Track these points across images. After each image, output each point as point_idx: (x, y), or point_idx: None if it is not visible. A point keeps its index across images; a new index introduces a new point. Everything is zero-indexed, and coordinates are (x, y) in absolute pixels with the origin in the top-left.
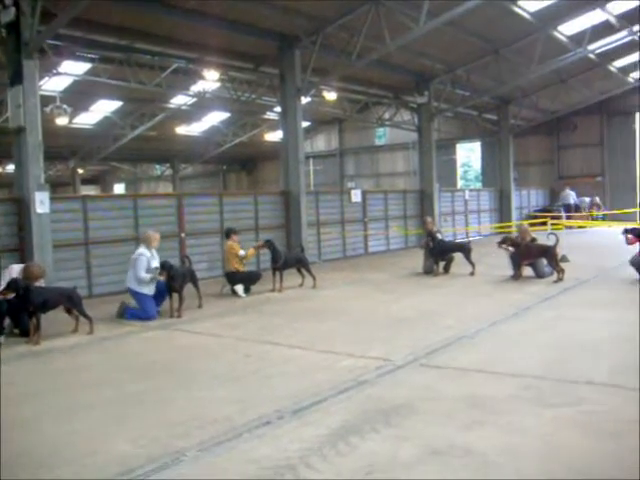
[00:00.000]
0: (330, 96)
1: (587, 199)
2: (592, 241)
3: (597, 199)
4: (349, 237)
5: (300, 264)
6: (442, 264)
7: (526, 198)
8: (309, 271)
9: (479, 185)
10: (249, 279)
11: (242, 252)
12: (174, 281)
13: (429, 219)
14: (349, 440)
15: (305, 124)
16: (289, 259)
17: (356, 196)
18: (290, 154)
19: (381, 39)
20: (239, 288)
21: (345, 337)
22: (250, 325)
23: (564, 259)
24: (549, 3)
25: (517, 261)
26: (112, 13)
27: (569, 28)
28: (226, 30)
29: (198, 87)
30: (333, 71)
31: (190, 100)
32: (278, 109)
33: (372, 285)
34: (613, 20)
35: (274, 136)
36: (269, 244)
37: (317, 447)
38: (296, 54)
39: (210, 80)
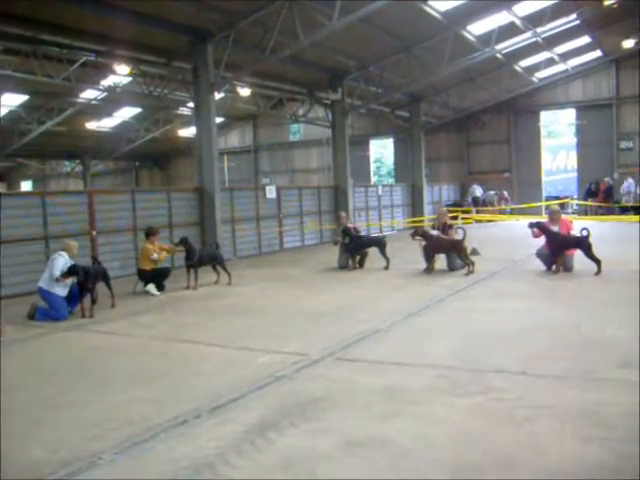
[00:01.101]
0: (244, 92)
1: (492, 192)
2: (501, 234)
3: (505, 193)
4: (264, 233)
5: (215, 261)
6: (357, 258)
7: (438, 193)
8: (224, 268)
9: (392, 181)
10: (159, 276)
11: (155, 256)
12: (86, 281)
13: (343, 214)
14: (267, 435)
15: (219, 120)
16: (204, 256)
17: (271, 192)
18: (204, 150)
19: (295, 35)
20: (151, 287)
21: (262, 333)
22: (165, 324)
23: (475, 252)
24: (458, 3)
25: (429, 254)
26: (16, 2)
27: (477, 28)
28: (137, 23)
29: (108, 81)
30: (247, 67)
31: (100, 94)
32: (191, 104)
33: (288, 281)
34: (518, 22)
35: (187, 132)
36: (184, 242)
37: (235, 444)
38: (209, 49)
39: (121, 74)
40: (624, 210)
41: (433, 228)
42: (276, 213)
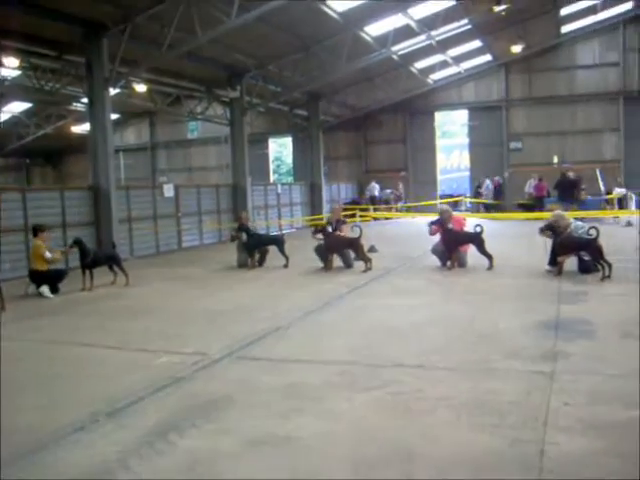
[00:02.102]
0: (140, 88)
1: (388, 191)
2: (398, 231)
3: (400, 189)
4: (162, 232)
5: (112, 261)
6: (257, 257)
7: (336, 191)
8: (121, 268)
9: (291, 179)
10: (54, 277)
11: (48, 254)
12: None
13: (244, 214)
14: (168, 438)
15: (114, 116)
16: (100, 256)
17: (168, 191)
18: (99, 147)
19: (193, 31)
20: (45, 289)
21: (160, 334)
22: (58, 327)
23: (372, 249)
24: (356, 4)
25: (326, 252)
26: None
27: (374, 29)
28: (27, 13)
29: None
30: (143, 62)
31: None
32: (85, 100)
33: (187, 280)
34: (413, 24)
35: (81, 128)
36: (77, 243)
37: (135, 448)
38: (104, 43)
39: (9, 67)
40: (523, 207)
41: (328, 224)
42: (174, 212)
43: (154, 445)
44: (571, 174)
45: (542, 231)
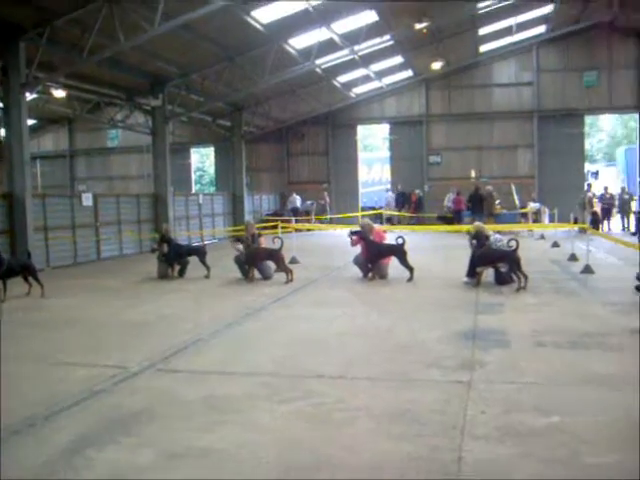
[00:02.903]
0: (59, 94)
1: (309, 202)
2: (320, 243)
3: (326, 198)
4: (80, 242)
5: (27, 271)
6: (178, 268)
7: (258, 202)
8: (37, 279)
9: (213, 189)
10: None
11: None
12: None
13: (165, 226)
14: (86, 453)
15: (31, 122)
16: (14, 266)
17: (87, 199)
18: (14, 154)
19: (115, 38)
20: None
21: (78, 347)
22: None
23: (294, 260)
24: (280, 17)
25: (247, 263)
26: None
27: (299, 42)
28: None
29: None
30: (62, 67)
31: None
32: (0, 105)
33: (106, 291)
34: (337, 39)
35: None
36: None
37: (51, 465)
38: (21, 46)
39: None
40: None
41: (239, 240)
42: (93, 221)
43: (71, 461)
44: (489, 188)
45: (470, 240)
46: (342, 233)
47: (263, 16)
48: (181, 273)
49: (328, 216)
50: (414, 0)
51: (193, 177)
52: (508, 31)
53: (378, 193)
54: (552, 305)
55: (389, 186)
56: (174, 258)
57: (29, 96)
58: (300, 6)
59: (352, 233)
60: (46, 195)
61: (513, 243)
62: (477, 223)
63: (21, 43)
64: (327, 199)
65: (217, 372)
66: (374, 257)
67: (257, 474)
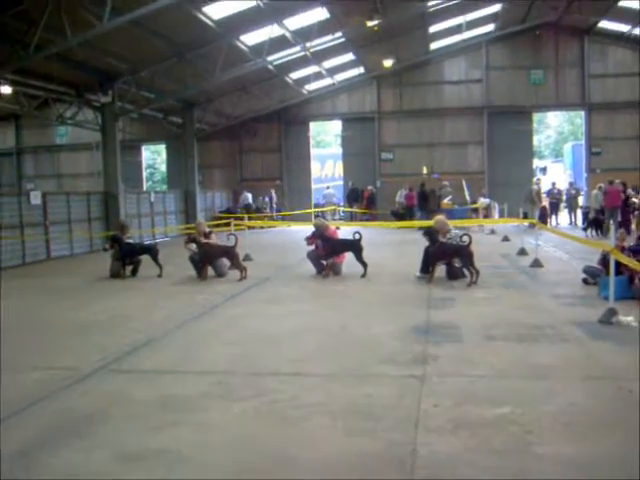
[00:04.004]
0: (5, 89)
1: (267, 199)
2: (273, 240)
3: (273, 196)
4: (29, 242)
5: None
6: (130, 267)
7: (211, 200)
8: None
9: (165, 187)
10: None
11: None
12: None
13: (122, 221)
14: (39, 458)
15: None
16: None
17: (35, 198)
18: None
19: (63, 33)
20: None
21: (28, 349)
22: None
23: (248, 258)
24: (231, 13)
25: (201, 261)
26: None
27: (250, 39)
28: None
29: None
30: (8, 63)
31: None
32: None
33: (56, 291)
34: (289, 36)
35: None
36: None
37: (3, 471)
38: None
39: None
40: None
41: (190, 239)
42: (42, 220)
43: (23, 465)
44: (445, 183)
45: (424, 234)
46: (295, 230)
47: (214, 12)
48: (134, 272)
49: (273, 214)
50: None
51: (144, 175)
52: (458, 29)
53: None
54: (502, 299)
55: (329, 185)
56: (125, 257)
57: None
58: (251, 2)
59: (308, 238)
60: None
61: (466, 238)
62: (439, 217)
63: None
64: (274, 196)
65: (171, 372)
66: (330, 254)
67: (212, 474)
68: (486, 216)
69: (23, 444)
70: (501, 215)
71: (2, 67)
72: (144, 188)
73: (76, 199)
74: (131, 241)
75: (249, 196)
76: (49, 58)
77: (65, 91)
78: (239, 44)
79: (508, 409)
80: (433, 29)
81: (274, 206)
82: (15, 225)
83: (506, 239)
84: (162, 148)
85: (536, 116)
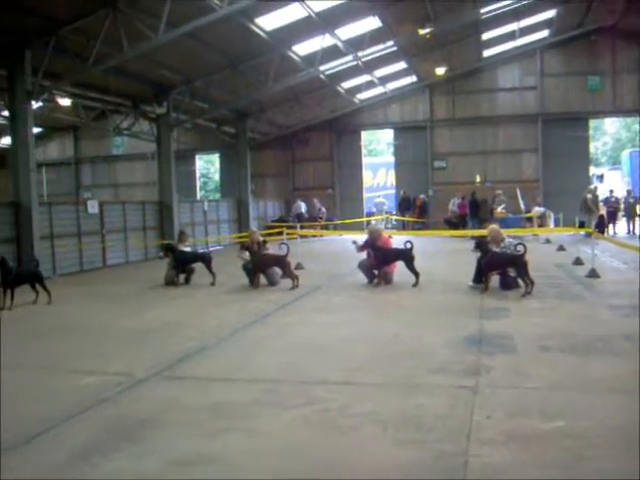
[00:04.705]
0: (64, 102)
1: (323, 209)
2: (325, 249)
3: (323, 209)
4: (86, 250)
5: (34, 279)
6: (183, 275)
7: (263, 209)
8: (44, 286)
9: (218, 196)
10: None
11: None
12: None
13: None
14: (91, 461)
15: (37, 130)
16: (22, 274)
17: (92, 207)
18: (20, 162)
19: (119, 46)
20: None
21: (85, 354)
22: None
23: (299, 267)
24: (283, 24)
25: (253, 270)
26: None
27: (302, 49)
28: None
29: None
30: (68, 76)
31: None
32: (6, 113)
33: (112, 298)
34: (341, 45)
35: (2, 142)
36: (0, 263)
37: (57, 473)
38: (26, 55)
39: None
40: (449, 224)
41: (243, 248)
42: (99, 229)
43: (78, 468)
44: (498, 192)
45: (475, 249)
46: (347, 239)
47: (266, 23)
48: (187, 280)
49: (331, 222)
50: None
51: (198, 184)
52: (511, 36)
53: (384, 198)
54: (557, 310)
55: (380, 193)
56: (179, 265)
57: (35, 104)
58: (303, 13)
59: (360, 247)
60: (52, 203)
61: (521, 248)
62: (492, 226)
63: (27, 52)
64: (317, 204)
65: (222, 379)
66: (381, 263)
67: None
68: (541, 225)
69: (76, 448)
70: (556, 224)
71: (62, 80)
72: (198, 197)
73: (132, 208)
74: (187, 249)
75: (302, 205)
76: (106, 71)
77: (121, 103)
78: (291, 54)
79: (562, 422)
80: (486, 36)
81: (322, 215)
82: (73, 233)
83: (561, 248)
84: (215, 157)
85: (592, 122)
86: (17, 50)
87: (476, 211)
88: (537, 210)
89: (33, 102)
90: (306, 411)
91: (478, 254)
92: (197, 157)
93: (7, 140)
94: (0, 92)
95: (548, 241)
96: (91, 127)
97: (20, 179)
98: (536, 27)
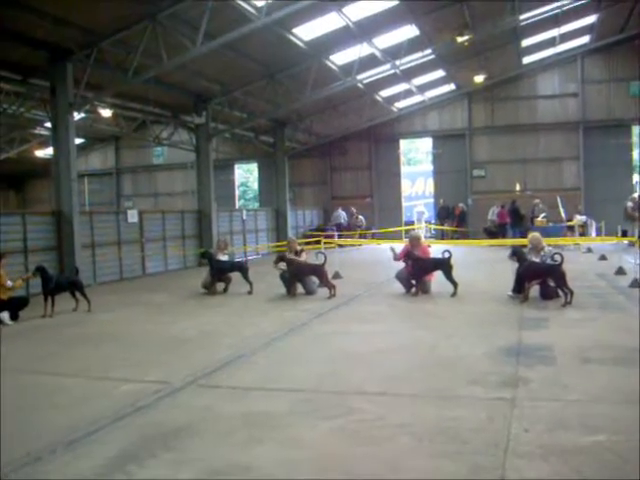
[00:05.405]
0: (105, 113)
1: (361, 217)
2: (363, 258)
3: (361, 218)
4: (126, 258)
5: (74, 287)
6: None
7: (302, 218)
8: (84, 294)
9: (257, 205)
10: (15, 306)
11: (9, 283)
12: None
13: (222, 239)
14: (127, 469)
15: (79, 141)
16: (62, 282)
17: (132, 216)
18: (62, 172)
19: (159, 57)
20: (4, 316)
21: (122, 362)
22: (17, 354)
23: (337, 276)
24: (321, 34)
25: (290, 279)
26: None
27: (340, 58)
28: None
29: None
30: (109, 87)
31: None
32: (49, 124)
33: (150, 307)
34: (378, 54)
35: (45, 152)
36: (40, 271)
37: (93, 479)
38: (68, 67)
39: None
40: (487, 233)
41: (279, 259)
42: (138, 237)
43: (112, 476)
44: (536, 201)
45: (511, 257)
46: (385, 248)
47: (304, 33)
48: (224, 289)
49: (369, 231)
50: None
51: (237, 193)
52: (551, 42)
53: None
54: (598, 320)
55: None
56: (215, 274)
57: (77, 115)
58: (341, 23)
59: (392, 249)
60: (93, 212)
61: (558, 257)
62: (533, 234)
63: (69, 64)
64: (357, 215)
65: (259, 388)
66: (419, 272)
67: None
68: (582, 234)
69: (112, 455)
70: (598, 233)
71: (103, 91)
72: (236, 206)
73: (171, 217)
74: (225, 258)
75: (343, 214)
76: (146, 81)
77: (161, 113)
78: (329, 64)
79: (603, 436)
80: (525, 43)
81: (360, 224)
82: (113, 242)
83: (603, 258)
84: (254, 166)
85: (636, 129)
86: (60, 62)
87: (517, 220)
88: (578, 219)
89: (75, 113)
90: (342, 421)
91: (516, 263)
92: (236, 166)
93: (50, 150)
94: (43, 103)
95: (590, 250)
96: (132, 137)
97: (62, 189)
98: (577, 33)
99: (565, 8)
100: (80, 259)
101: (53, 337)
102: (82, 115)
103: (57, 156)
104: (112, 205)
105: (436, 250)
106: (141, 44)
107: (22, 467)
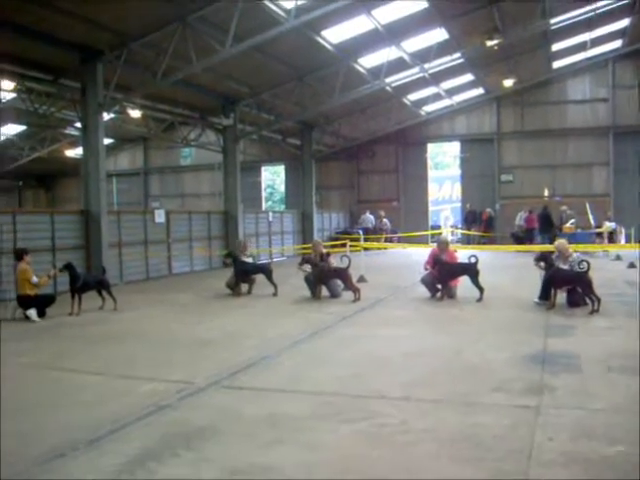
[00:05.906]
0: (134, 113)
1: (386, 220)
2: (388, 262)
3: (385, 221)
4: (152, 258)
5: (101, 286)
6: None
7: (328, 220)
8: (110, 293)
9: (284, 207)
10: (42, 303)
11: (35, 279)
12: None
13: (243, 241)
14: (148, 466)
15: (108, 141)
16: (89, 281)
17: (159, 216)
18: (91, 172)
19: (188, 59)
20: (32, 312)
21: (146, 361)
22: (42, 351)
23: (362, 279)
24: (350, 37)
25: (314, 282)
26: None
27: (368, 61)
28: (22, 37)
29: None
30: (138, 88)
31: None
32: (79, 124)
33: (176, 306)
34: (407, 57)
35: (75, 152)
36: (68, 268)
37: (114, 476)
38: (99, 68)
39: (4, 90)
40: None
41: (303, 261)
42: (165, 237)
43: (134, 473)
44: (564, 207)
45: (536, 262)
46: (411, 252)
47: (333, 36)
48: (248, 290)
49: (396, 235)
50: None
51: (264, 195)
52: (582, 46)
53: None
54: (626, 328)
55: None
56: (240, 275)
57: (106, 116)
58: (369, 26)
59: (426, 262)
60: (121, 212)
61: (584, 265)
62: (560, 241)
63: (99, 65)
64: (382, 215)
65: (281, 390)
66: (445, 277)
67: None
68: (611, 241)
69: (134, 453)
70: (627, 240)
71: (132, 92)
72: (263, 208)
73: (197, 218)
74: (250, 260)
75: (370, 218)
76: (175, 83)
77: (189, 114)
78: (357, 67)
79: (628, 447)
80: (556, 47)
81: (385, 228)
82: (140, 242)
83: (632, 266)
84: (281, 169)
85: None
86: (90, 63)
87: (547, 226)
88: (608, 225)
89: (104, 114)
90: (364, 425)
91: (542, 269)
92: (263, 168)
93: (80, 150)
94: (73, 104)
95: (619, 257)
96: (160, 138)
97: (90, 188)
98: (608, 37)
99: (599, 11)
100: (107, 258)
101: (79, 335)
102: (111, 116)
103: (86, 156)
104: (139, 205)
105: (463, 255)
106: (170, 46)
107: (46, 462)
